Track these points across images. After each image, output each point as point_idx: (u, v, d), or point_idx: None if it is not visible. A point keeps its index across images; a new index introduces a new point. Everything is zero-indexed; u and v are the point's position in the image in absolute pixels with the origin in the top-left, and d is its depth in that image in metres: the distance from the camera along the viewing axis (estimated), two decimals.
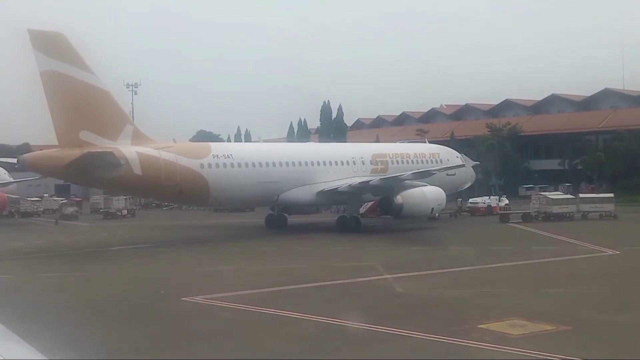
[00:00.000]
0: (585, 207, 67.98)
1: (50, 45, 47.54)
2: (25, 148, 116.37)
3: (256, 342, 21.65)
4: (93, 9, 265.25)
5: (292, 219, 64.27)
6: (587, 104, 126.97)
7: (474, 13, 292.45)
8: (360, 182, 58.38)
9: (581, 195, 74.92)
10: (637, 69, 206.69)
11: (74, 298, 30.05)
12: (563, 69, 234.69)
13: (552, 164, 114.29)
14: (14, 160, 58.68)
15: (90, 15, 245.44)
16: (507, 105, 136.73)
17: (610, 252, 42.24)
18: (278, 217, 62.99)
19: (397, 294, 30.00)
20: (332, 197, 60.42)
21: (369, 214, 65.26)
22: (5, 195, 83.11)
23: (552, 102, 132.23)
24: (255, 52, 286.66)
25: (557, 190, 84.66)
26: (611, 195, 71.24)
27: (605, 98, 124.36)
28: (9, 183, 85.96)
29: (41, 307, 27.04)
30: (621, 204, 71.10)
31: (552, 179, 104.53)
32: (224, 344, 21.51)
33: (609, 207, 67.80)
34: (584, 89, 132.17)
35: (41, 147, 68.11)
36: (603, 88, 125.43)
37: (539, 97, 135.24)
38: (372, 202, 62.98)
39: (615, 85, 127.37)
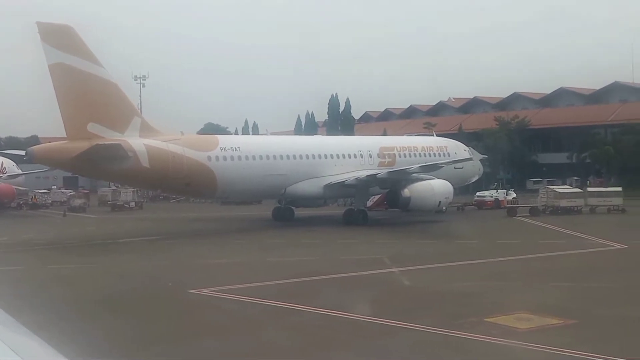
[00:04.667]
0: (593, 201, 67.75)
1: (58, 37, 47.66)
2: (34, 140, 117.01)
3: (261, 336, 21.72)
4: (101, 1, 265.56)
5: (299, 212, 64.24)
6: (596, 97, 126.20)
7: (483, 7, 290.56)
8: (367, 175, 58.39)
9: (589, 189, 74.66)
10: None
11: (81, 290, 30.19)
12: (573, 62, 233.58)
13: (560, 158, 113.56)
14: (23, 153, 58.86)
15: (97, 7, 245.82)
16: (516, 99, 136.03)
17: (617, 246, 42.06)
18: (285, 210, 63.00)
19: (404, 287, 30.03)
20: (339, 190, 60.36)
21: (376, 207, 65.20)
22: (14, 187, 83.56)
23: (561, 96, 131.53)
24: (264, 43, 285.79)
25: (565, 184, 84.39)
26: (619, 189, 70.66)
27: (615, 91, 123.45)
28: (18, 175, 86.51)
29: (48, 299, 27.11)
30: (630, 198, 70.59)
31: (560, 173, 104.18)
32: (229, 338, 21.50)
33: (617, 201, 67.48)
34: (594, 82, 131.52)
35: (49, 140, 68.45)
36: (613, 81, 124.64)
37: (547, 91, 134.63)
38: (379, 195, 62.95)
39: (625, 78, 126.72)
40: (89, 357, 16.27)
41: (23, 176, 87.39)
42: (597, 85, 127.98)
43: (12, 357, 4.44)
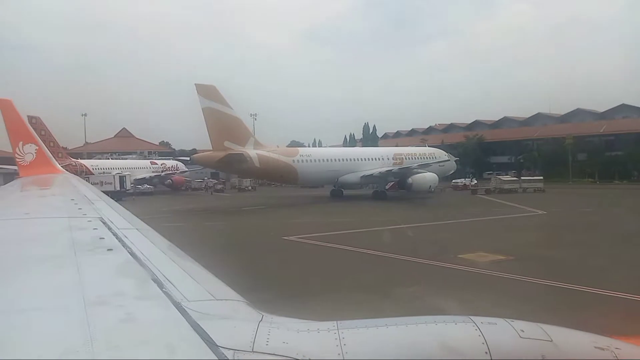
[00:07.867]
0: (524, 185, 65.42)
1: (207, 92, 48.88)
2: (194, 152, 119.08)
3: (326, 259, 21.98)
4: (230, 72, 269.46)
5: (346, 192, 64.01)
6: (527, 122, 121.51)
7: (460, 63, 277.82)
8: (386, 170, 57.90)
9: (522, 177, 72.19)
10: (561, 97, 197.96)
11: (222, 237, 31.00)
12: (509, 98, 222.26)
13: (504, 159, 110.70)
14: (188, 159, 60.83)
15: (228, 75, 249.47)
16: (477, 124, 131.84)
17: (540, 212, 40.62)
18: (338, 191, 62.80)
19: (408, 236, 29.78)
20: (369, 179, 59.94)
21: (392, 189, 64.45)
22: (184, 178, 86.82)
23: (505, 121, 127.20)
24: (327, 95, 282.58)
25: (507, 175, 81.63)
26: (541, 177, 68.90)
27: (539, 118, 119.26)
28: (186, 171, 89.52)
29: (204, 240, 27.61)
30: (547, 184, 68.22)
31: (504, 168, 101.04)
32: (308, 261, 21.86)
33: (540, 185, 65.25)
34: (525, 112, 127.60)
35: (203, 151, 69.71)
36: (536, 112, 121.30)
37: (496, 118, 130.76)
38: (393, 182, 62.32)
39: (546, 110, 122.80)
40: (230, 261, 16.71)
41: (189, 172, 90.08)
42: (528, 114, 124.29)
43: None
